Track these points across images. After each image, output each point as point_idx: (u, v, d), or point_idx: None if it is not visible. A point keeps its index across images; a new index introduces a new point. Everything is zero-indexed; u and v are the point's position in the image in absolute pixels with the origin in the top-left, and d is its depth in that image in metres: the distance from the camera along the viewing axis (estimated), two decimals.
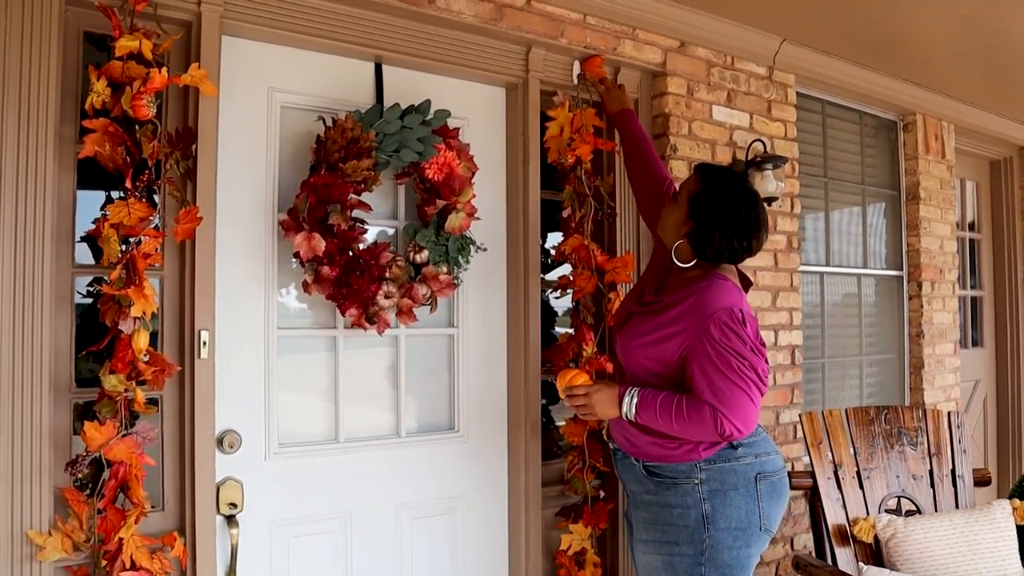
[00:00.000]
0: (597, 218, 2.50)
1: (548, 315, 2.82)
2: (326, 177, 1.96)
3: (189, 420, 1.91)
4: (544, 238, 2.65)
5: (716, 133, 2.86)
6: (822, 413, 2.57)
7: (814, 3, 2.69)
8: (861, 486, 2.52)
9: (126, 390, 1.72)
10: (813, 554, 2.56)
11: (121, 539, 1.70)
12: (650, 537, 1.81)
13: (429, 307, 2.17)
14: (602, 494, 2.51)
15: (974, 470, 2.69)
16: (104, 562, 1.71)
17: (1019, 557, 2.40)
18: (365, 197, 2.05)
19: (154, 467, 1.83)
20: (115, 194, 1.81)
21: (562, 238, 2.51)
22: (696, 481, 1.74)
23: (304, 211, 1.96)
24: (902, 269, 3.76)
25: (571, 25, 2.49)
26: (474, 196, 2.21)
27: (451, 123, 2.20)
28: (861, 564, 2.39)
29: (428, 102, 2.14)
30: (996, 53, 3.16)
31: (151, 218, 1.76)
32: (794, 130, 3.12)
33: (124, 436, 1.72)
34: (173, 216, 1.85)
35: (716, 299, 1.69)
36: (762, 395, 1.68)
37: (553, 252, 2.54)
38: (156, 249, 1.78)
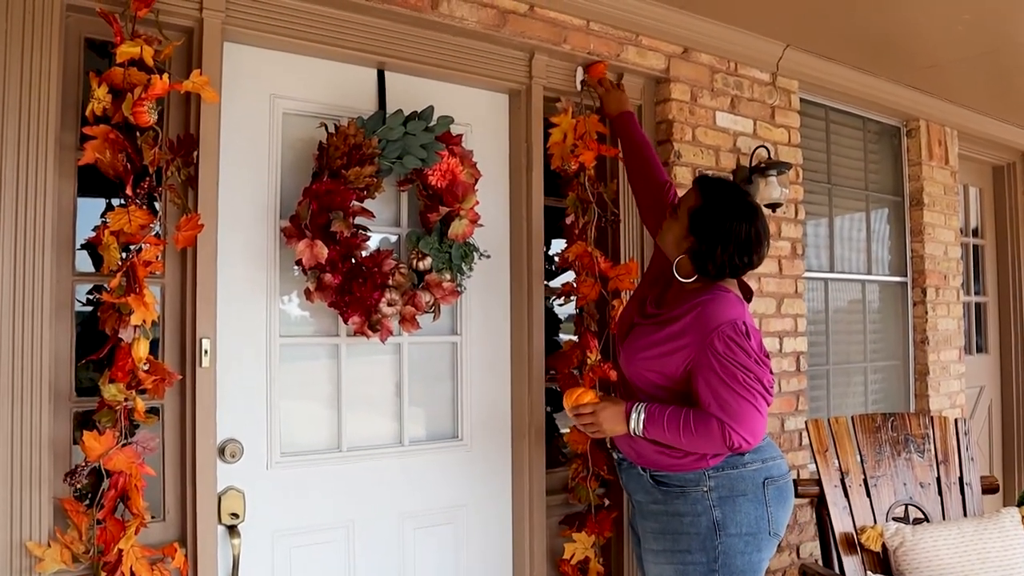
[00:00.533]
0: (601, 225, 2.48)
1: (552, 322, 2.80)
2: (328, 184, 1.95)
3: (190, 429, 1.89)
4: (548, 245, 2.64)
5: (720, 139, 2.85)
6: (828, 420, 2.55)
7: (817, 8, 2.68)
8: (868, 494, 2.50)
9: (126, 399, 1.71)
10: (820, 563, 2.54)
11: (121, 550, 1.68)
12: (660, 547, 1.80)
13: (432, 315, 2.16)
14: (606, 502, 2.49)
15: (982, 477, 2.68)
16: (103, 574, 1.69)
17: None
18: (368, 204, 2.03)
19: (154, 477, 1.81)
20: (116, 201, 1.79)
21: (565, 245, 2.50)
22: (705, 488, 1.75)
23: (306, 218, 1.94)
24: (906, 275, 3.75)
25: (574, 31, 2.48)
26: (477, 203, 2.19)
27: (454, 129, 2.18)
28: (869, 573, 2.37)
29: (431, 108, 2.13)
30: (999, 58, 3.16)
31: (152, 225, 1.75)
32: (798, 136, 3.12)
33: (124, 446, 1.70)
34: (174, 223, 1.84)
35: (719, 313, 1.69)
36: (768, 405, 1.69)
37: (556, 259, 2.53)
38: (157, 257, 1.76)
